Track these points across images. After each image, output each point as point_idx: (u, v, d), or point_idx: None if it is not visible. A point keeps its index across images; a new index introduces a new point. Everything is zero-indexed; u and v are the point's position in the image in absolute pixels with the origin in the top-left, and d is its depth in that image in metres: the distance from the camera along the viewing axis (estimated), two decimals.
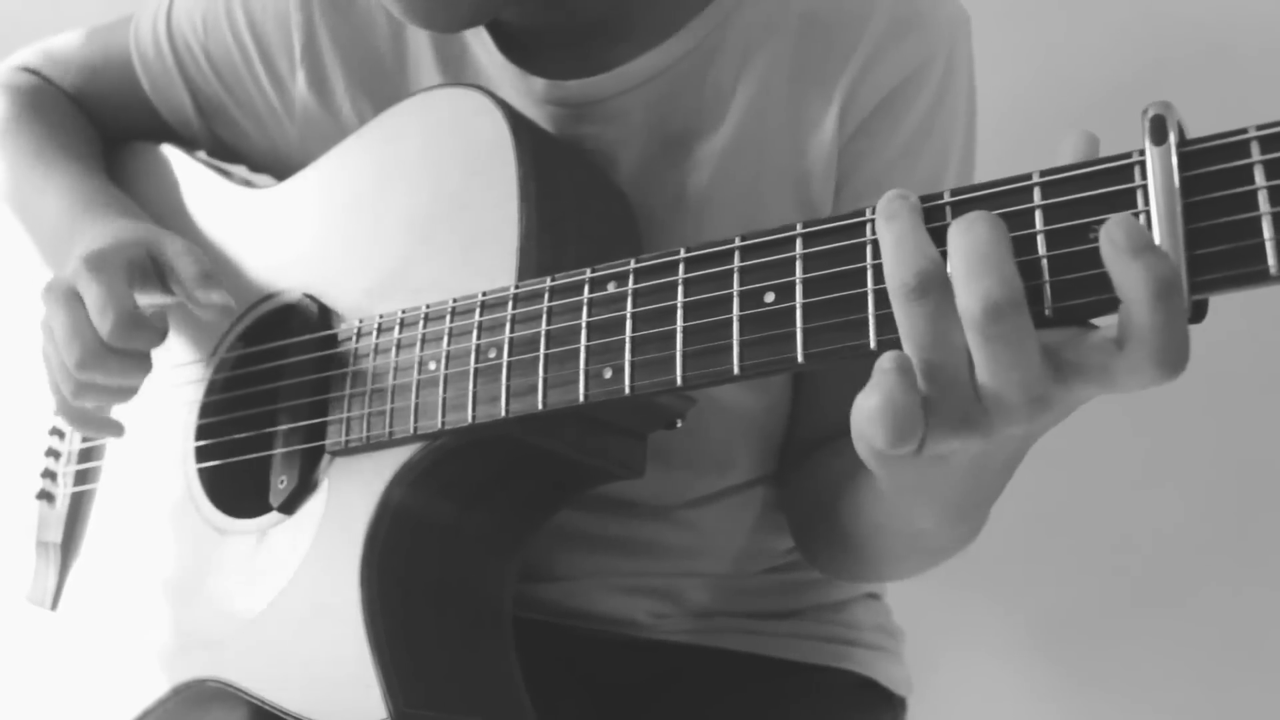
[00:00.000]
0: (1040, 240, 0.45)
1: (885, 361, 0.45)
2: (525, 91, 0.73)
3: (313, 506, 0.66)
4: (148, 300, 0.73)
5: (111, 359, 0.69)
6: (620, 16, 0.72)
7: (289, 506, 0.67)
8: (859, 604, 0.85)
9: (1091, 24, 1.07)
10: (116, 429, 0.76)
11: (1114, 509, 1.09)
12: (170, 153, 0.86)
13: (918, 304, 0.44)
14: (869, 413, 0.45)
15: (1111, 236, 0.41)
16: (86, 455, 0.81)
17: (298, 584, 0.65)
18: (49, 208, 0.80)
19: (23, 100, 0.88)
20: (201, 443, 0.74)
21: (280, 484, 0.67)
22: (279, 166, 0.83)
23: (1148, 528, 1.08)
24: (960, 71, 0.72)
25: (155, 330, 0.69)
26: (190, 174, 0.84)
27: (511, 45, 0.74)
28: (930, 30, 0.70)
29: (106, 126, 0.90)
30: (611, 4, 0.72)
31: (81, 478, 0.81)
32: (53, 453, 0.83)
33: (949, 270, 0.44)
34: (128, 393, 0.72)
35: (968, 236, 0.44)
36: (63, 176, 0.81)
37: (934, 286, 0.44)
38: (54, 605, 0.79)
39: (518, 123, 0.66)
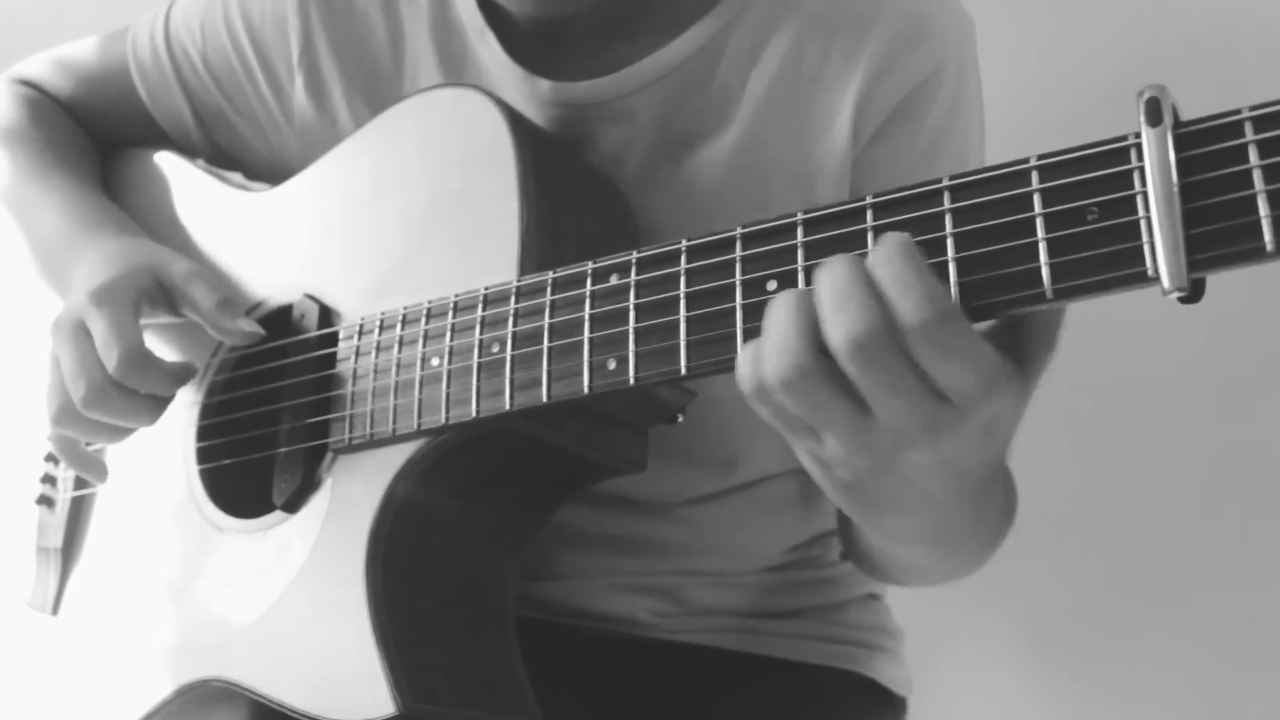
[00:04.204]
0: (1039, 223, 0.46)
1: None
2: (530, 93, 0.73)
3: (316, 504, 0.66)
4: (157, 323, 0.73)
5: (117, 397, 0.67)
6: (627, 17, 0.73)
7: (292, 505, 0.67)
8: (859, 604, 0.85)
9: (1090, 23, 1.08)
10: (101, 473, 0.75)
11: (1113, 509, 1.10)
12: (167, 158, 0.86)
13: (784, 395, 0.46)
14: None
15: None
16: None
17: (302, 582, 0.65)
18: (45, 223, 0.80)
19: (21, 113, 0.88)
20: (203, 444, 0.74)
21: (284, 483, 0.67)
22: (279, 173, 0.84)
23: (1147, 528, 1.09)
24: (971, 74, 0.73)
25: (164, 372, 0.68)
26: (187, 179, 0.85)
27: (516, 46, 0.75)
28: (941, 35, 0.71)
29: (106, 137, 0.90)
30: (618, 5, 0.72)
31: (81, 482, 0.81)
32: (52, 458, 0.82)
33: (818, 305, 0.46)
34: (125, 434, 0.71)
35: (826, 275, 0.46)
36: (57, 192, 0.81)
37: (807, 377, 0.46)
38: (55, 610, 0.79)
39: (516, 121, 0.66)
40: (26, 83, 0.91)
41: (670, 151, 0.72)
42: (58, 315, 0.71)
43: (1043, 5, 1.08)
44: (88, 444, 0.76)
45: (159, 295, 0.71)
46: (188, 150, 0.87)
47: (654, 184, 0.72)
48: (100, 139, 0.90)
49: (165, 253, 0.74)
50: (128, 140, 0.89)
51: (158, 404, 0.69)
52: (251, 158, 0.86)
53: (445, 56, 0.76)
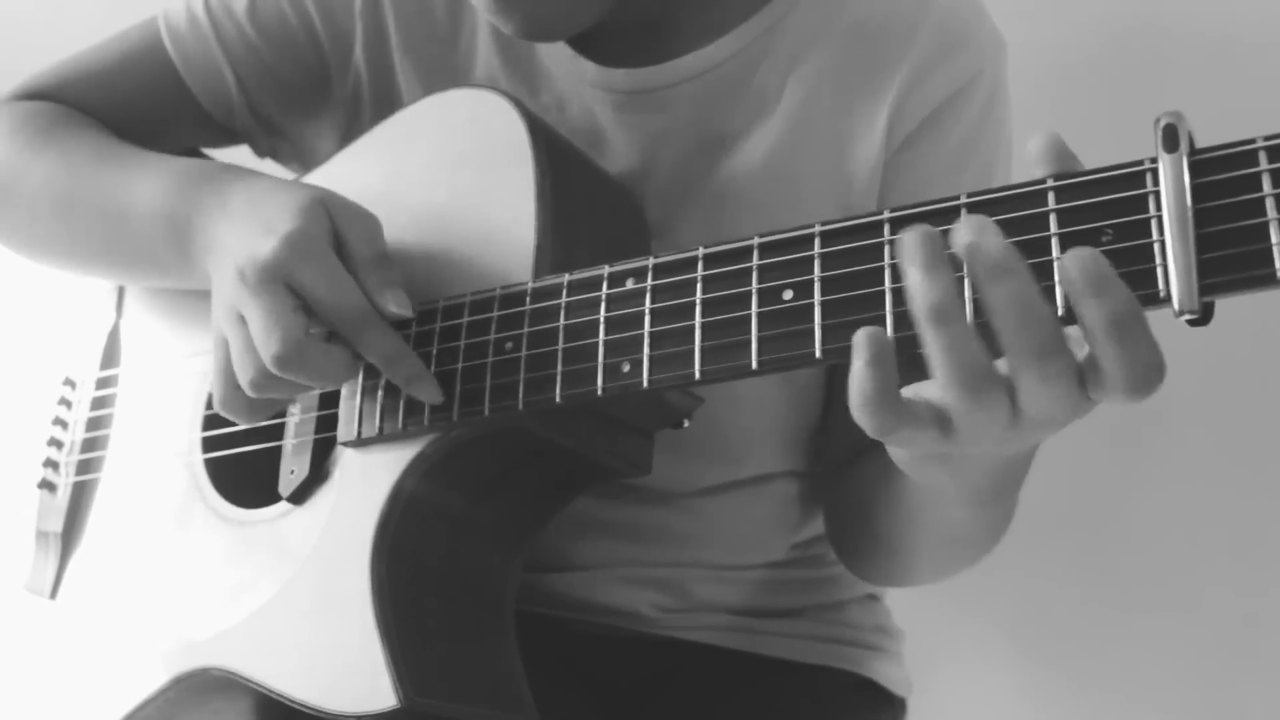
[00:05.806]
0: (1054, 243, 0.47)
1: (862, 347, 0.45)
2: (576, 74, 0.75)
3: (323, 497, 0.67)
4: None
5: (316, 354, 0.60)
6: (673, 14, 0.75)
7: (299, 497, 0.67)
8: (859, 604, 0.86)
9: (1090, 23, 1.08)
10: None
11: (1114, 510, 1.10)
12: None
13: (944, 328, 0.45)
14: (852, 402, 0.46)
15: (1068, 275, 0.43)
16: (90, 445, 0.81)
17: (306, 573, 0.65)
18: (144, 193, 0.73)
19: (44, 120, 0.82)
20: (209, 433, 0.74)
21: (291, 474, 0.68)
22: (313, 142, 0.82)
23: (1147, 529, 1.09)
24: (1002, 92, 0.74)
25: (389, 334, 0.61)
26: None
27: None
28: (976, 48, 0.72)
29: (131, 132, 0.84)
30: (665, 2, 0.74)
31: (84, 467, 0.81)
32: (55, 442, 0.83)
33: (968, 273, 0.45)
34: (325, 385, 0.63)
35: (980, 240, 0.44)
36: (147, 161, 0.75)
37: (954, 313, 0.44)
38: (53, 594, 0.79)
39: (534, 123, 0.67)
40: (34, 97, 0.85)
41: (705, 148, 0.74)
42: (240, 264, 0.61)
43: (1043, 6, 1.09)
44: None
45: (332, 234, 0.63)
46: (222, 125, 0.84)
47: (687, 179, 0.74)
48: (127, 135, 0.84)
49: (328, 192, 0.65)
50: (156, 128, 0.84)
51: (356, 361, 0.62)
52: (289, 123, 0.83)
53: (500, 31, 0.75)
